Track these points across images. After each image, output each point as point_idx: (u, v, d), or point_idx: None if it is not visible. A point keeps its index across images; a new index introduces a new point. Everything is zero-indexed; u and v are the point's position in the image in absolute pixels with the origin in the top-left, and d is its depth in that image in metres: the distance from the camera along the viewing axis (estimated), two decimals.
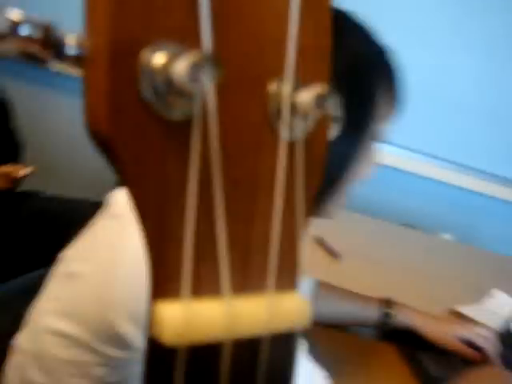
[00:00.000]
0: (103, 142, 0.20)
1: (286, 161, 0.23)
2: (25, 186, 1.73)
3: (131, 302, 0.49)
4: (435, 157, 2.10)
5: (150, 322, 0.21)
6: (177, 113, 0.20)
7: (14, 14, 0.20)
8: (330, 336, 1.01)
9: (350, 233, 1.50)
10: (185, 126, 0.21)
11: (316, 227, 1.31)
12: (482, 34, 1.95)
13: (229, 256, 0.22)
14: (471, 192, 2.09)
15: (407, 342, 1.02)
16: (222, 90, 0.21)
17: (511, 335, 1.11)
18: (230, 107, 0.21)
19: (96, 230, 0.59)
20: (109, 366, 0.53)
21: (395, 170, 2.07)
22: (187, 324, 0.21)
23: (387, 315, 1.01)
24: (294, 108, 0.22)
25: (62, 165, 1.57)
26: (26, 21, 0.20)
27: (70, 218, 1.57)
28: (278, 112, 0.23)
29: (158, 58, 0.19)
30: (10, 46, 0.19)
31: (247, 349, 0.23)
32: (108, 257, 0.52)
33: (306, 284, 1.03)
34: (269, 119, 0.23)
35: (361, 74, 0.61)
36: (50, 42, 0.20)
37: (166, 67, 0.19)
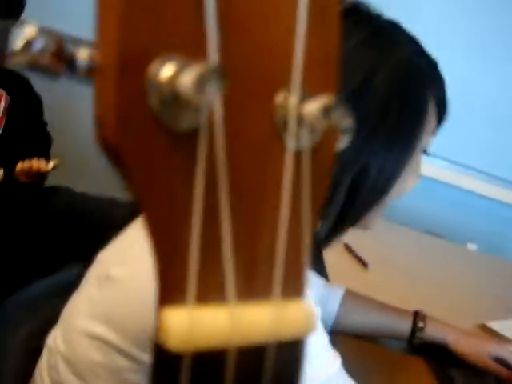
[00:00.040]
0: (112, 153, 0.21)
1: (293, 171, 0.23)
2: (52, 181, 1.75)
3: None
4: (465, 166, 2.07)
5: (156, 329, 0.21)
6: (184, 124, 0.21)
7: (30, 30, 0.21)
8: (359, 346, 1.01)
9: (376, 241, 1.49)
10: (192, 137, 0.21)
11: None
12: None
13: (235, 263, 0.23)
14: (500, 202, 2.05)
15: (436, 356, 1.00)
16: (229, 101, 0.21)
17: None
18: (236, 118, 0.22)
19: (135, 234, 0.57)
20: (144, 372, 0.53)
21: (425, 178, 2.05)
22: (192, 331, 0.21)
23: (418, 329, 1.00)
24: (300, 119, 0.23)
25: (90, 160, 1.59)
26: (40, 35, 0.21)
27: (98, 217, 1.59)
28: (285, 123, 0.23)
29: (165, 71, 0.20)
30: (23, 60, 0.20)
31: (253, 356, 0.23)
32: (146, 262, 0.52)
33: (336, 292, 1.02)
34: (275, 130, 0.23)
35: (411, 87, 0.61)
36: (63, 56, 0.21)
37: (172, 80, 0.20)
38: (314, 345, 0.61)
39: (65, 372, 0.57)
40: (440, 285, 1.37)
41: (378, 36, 0.61)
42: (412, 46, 0.63)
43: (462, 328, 1.05)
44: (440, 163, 2.04)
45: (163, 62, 0.20)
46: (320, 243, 0.64)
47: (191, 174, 0.21)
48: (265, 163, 0.23)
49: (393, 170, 0.61)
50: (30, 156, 1.60)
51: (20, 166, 1.57)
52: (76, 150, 1.94)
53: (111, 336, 0.52)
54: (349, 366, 0.66)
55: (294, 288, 0.24)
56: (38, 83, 1.69)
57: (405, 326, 1.01)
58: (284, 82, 0.23)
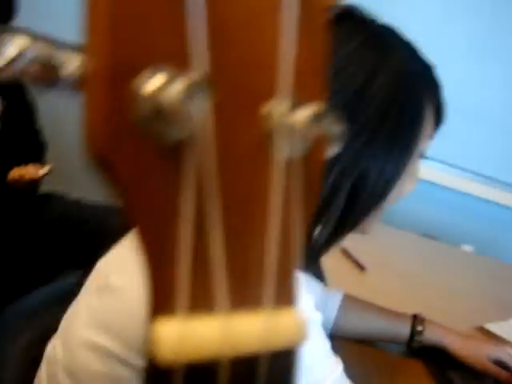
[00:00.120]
0: (101, 165, 0.21)
1: (283, 180, 0.23)
2: (48, 188, 1.74)
3: None
4: (463, 169, 2.08)
5: (147, 341, 0.21)
6: (172, 136, 0.21)
7: (21, 42, 0.21)
8: (358, 350, 1.01)
9: (373, 244, 1.49)
10: (180, 148, 0.21)
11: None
12: None
13: (225, 273, 0.23)
14: (497, 205, 2.06)
15: (435, 359, 1.00)
16: (217, 112, 0.21)
17: None
18: (224, 129, 0.22)
19: (134, 244, 0.57)
20: None
21: (422, 181, 2.05)
22: (183, 342, 0.21)
23: (417, 332, 1.00)
24: (289, 128, 0.23)
25: (85, 167, 1.58)
26: (31, 46, 0.21)
27: (94, 225, 1.59)
28: (274, 133, 0.23)
29: (150, 84, 0.20)
30: (10, 72, 0.20)
31: (245, 366, 0.23)
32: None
33: (335, 297, 1.03)
34: (264, 140, 0.23)
35: (407, 92, 0.61)
36: (51, 66, 0.21)
37: (157, 93, 0.20)
38: (315, 351, 0.61)
39: (64, 381, 0.56)
40: (438, 287, 1.37)
41: (374, 40, 0.61)
42: (407, 50, 0.63)
43: (460, 330, 1.05)
44: (437, 166, 2.05)
45: (149, 75, 0.20)
46: (320, 249, 0.64)
47: (180, 185, 0.21)
48: (254, 173, 0.23)
49: (393, 173, 0.61)
50: (25, 162, 1.60)
51: (13, 172, 1.56)
52: (71, 157, 1.94)
53: (111, 345, 0.52)
54: (350, 371, 0.66)
55: (285, 297, 0.24)
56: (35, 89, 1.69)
57: (404, 329, 1.01)
58: (272, 92, 0.23)
